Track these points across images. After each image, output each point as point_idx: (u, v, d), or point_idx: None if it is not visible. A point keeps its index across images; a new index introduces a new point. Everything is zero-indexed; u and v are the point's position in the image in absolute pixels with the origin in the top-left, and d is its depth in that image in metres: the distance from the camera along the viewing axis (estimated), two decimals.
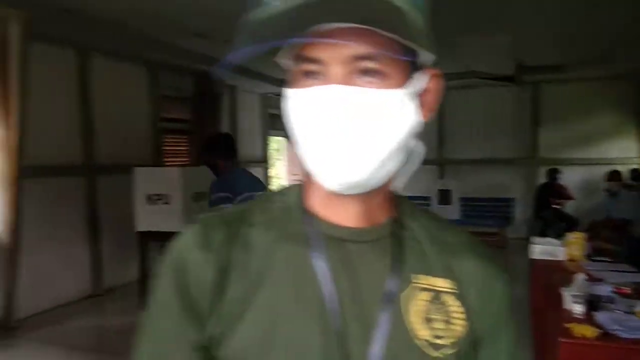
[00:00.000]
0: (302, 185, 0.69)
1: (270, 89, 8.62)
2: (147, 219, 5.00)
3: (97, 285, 5.54)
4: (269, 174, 9.94)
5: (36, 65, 4.39)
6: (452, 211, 8.10)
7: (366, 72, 0.56)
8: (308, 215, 0.65)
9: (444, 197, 8.26)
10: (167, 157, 6.82)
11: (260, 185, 3.31)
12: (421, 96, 0.63)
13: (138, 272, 5.24)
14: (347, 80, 0.56)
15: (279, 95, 9.70)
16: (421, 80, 0.62)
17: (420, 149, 0.65)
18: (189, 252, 0.63)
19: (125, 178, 5.03)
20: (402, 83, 0.58)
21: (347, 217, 0.64)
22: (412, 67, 0.60)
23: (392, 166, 0.61)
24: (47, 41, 4.76)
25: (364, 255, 0.63)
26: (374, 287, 0.62)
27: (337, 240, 0.63)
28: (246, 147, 8.68)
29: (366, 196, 0.63)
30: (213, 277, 0.61)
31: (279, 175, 11.65)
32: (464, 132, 8.71)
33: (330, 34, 0.55)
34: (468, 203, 8.50)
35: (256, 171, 9.25)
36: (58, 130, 5.10)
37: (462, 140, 8.75)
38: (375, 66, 0.56)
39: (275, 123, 10.07)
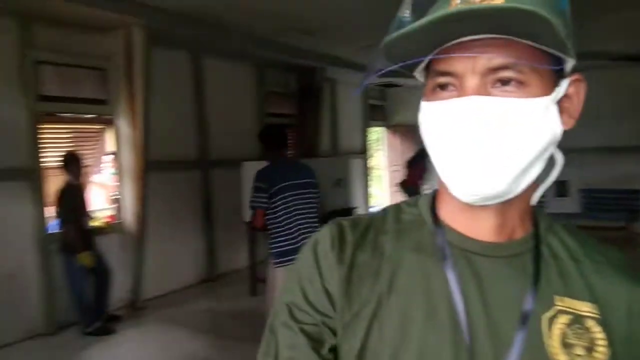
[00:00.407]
0: (434, 196, 0.68)
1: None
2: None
3: (210, 270, 5.95)
4: (368, 165, 9.92)
5: (156, 68, 4.79)
6: (570, 204, 7.46)
7: (504, 81, 0.55)
8: (440, 227, 0.64)
9: (561, 188, 7.64)
10: None
11: (303, 174, 3.28)
12: (561, 102, 0.59)
13: (247, 259, 5.52)
14: (483, 91, 0.55)
15: (379, 86, 9.62)
16: (562, 87, 0.59)
17: (560, 159, 0.62)
18: (325, 250, 0.65)
19: (236, 171, 5.30)
20: (542, 91, 0.56)
21: (481, 230, 0.62)
22: (553, 74, 0.57)
23: (530, 177, 0.59)
24: (165, 45, 5.15)
25: (499, 271, 0.61)
26: (508, 305, 0.59)
27: (470, 253, 0.61)
28: (346, 139, 8.74)
29: (502, 208, 0.61)
30: (343, 276, 0.62)
31: (379, 166, 11.57)
32: (585, 117, 7.88)
33: (465, 46, 0.54)
34: (589, 195, 7.77)
35: (356, 162, 9.33)
36: (176, 127, 5.52)
37: (582, 126, 7.92)
38: (514, 75, 0.54)
39: (375, 114, 10.02)
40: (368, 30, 4.94)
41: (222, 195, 5.94)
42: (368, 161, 9.93)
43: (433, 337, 0.58)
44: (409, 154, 8.60)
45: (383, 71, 0.57)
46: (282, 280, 2.44)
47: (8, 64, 4.08)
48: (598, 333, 0.58)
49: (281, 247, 3.13)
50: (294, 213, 3.14)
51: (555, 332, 0.58)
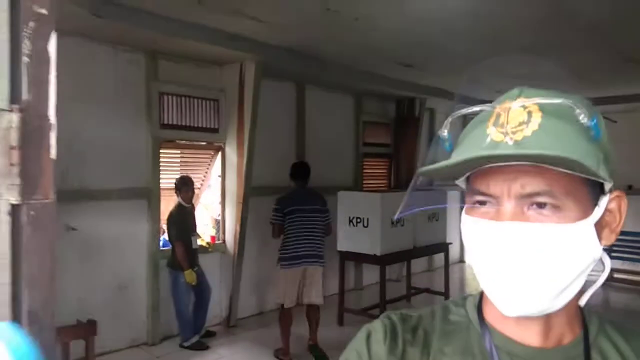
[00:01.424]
0: (480, 298, 0.69)
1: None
2: (347, 240, 5.30)
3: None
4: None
5: (263, 99, 5.06)
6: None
7: (540, 205, 0.56)
8: (487, 330, 0.65)
9: None
10: (367, 180, 7.12)
11: (312, 201, 4.35)
12: (603, 217, 0.60)
13: (337, 287, 5.57)
14: (519, 215, 0.57)
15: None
16: (602, 206, 0.60)
17: (608, 263, 0.63)
18: (378, 341, 0.67)
19: (332, 199, 5.40)
20: (579, 213, 0.57)
21: (527, 335, 0.63)
22: (592, 195, 0.59)
23: (571, 293, 0.60)
24: (272, 77, 5.43)
25: None
26: None
27: (517, 358, 0.62)
28: None
29: (547, 317, 0.62)
30: None
31: None
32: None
33: (502, 170, 0.57)
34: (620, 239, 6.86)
35: (453, 195, 9.02)
36: (278, 155, 5.76)
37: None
38: (549, 200, 0.56)
39: None
40: (465, 62, 4.85)
41: None
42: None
43: None
44: None
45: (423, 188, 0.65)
46: (284, 280, 4.19)
47: (138, 94, 4.55)
48: None
49: (287, 253, 4.28)
50: (300, 230, 4.25)
51: None
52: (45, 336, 0.59)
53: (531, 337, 0.62)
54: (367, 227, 5.19)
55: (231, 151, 5.22)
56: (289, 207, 4.27)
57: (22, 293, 0.56)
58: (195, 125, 4.98)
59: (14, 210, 0.57)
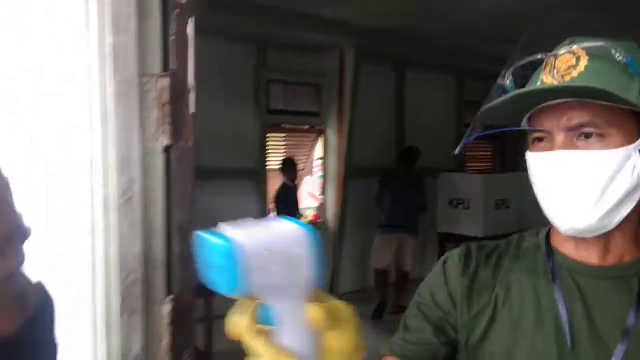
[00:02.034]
0: (550, 227, 0.77)
1: None
2: (447, 222, 5.28)
3: (400, 273, 6.14)
4: None
5: (362, 82, 5.19)
6: None
7: (587, 135, 0.65)
8: (552, 252, 0.74)
9: None
10: (470, 163, 6.96)
11: (410, 178, 5.03)
12: None
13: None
14: (569, 145, 0.65)
15: None
16: None
17: None
18: (453, 264, 0.79)
19: (432, 181, 5.40)
20: (624, 140, 0.64)
21: (587, 256, 0.71)
22: (635, 125, 0.66)
23: (623, 213, 0.66)
24: (372, 60, 5.52)
25: (604, 290, 0.70)
26: (611, 320, 0.68)
27: (577, 274, 0.71)
28: None
29: (604, 238, 0.69)
30: (465, 285, 0.77)
31: None
32: None
33: (553, 108, 0.66)
34: None
35: None
36: (377, 137, 5.86)
37: None
38: (593, 130, 0.64)
39: None
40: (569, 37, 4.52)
41: None
42: None
43: (541, 342, 0.69)
44: None
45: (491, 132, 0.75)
46: (379, 245, 5.18)
47: (247, 83, 4.92)
48: None
49: (383, 221, 4.96)
50: (396, 202, 4.85)
51: None
52: (188, 245, 0.80)
53: (590, 257, 0.71)
54: (468, 209, 5.12)
55: (332, 134, 5.43)
56: (389, 180, 4.93)
57: (174, 211, 0.77)
58: (299, 110, 5.27)
59: (167, 150, 0.77)
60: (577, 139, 0.65)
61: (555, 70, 0.66)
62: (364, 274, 5.87)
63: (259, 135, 5.01)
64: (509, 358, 0.71)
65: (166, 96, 0.74)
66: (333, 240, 5.50)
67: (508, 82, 0.72)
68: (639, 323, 0.66)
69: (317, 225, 5.56)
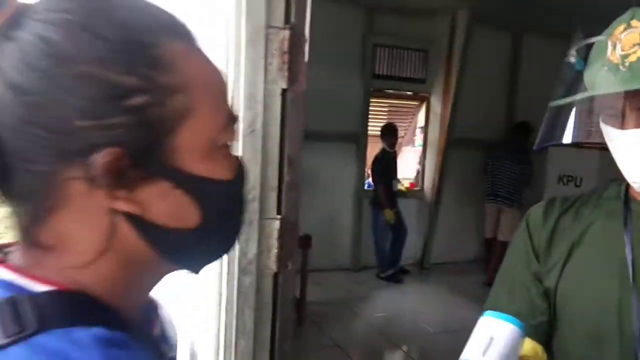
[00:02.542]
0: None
1: None
2: None
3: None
4: None
5: (475, 49, 5.02)
6: None
7: None
8: (630, 199, 0.81)
9: None
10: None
11: (516, 152, 4.98)
12: None
13: None
14: None
15: None
16: None
17: None
18: (536, 217, 0.88)
19: (543, 155, 5.13)
20: None
21: None
22: None
23: None
24: (487, 26, 5.28)
25: None
26: None
27: None
28: None
29: None
30: (545, 236, 0.86)
31: None
32: None
33: None
34: None
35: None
36: (484, 107, 5.65)
37: None
38: None
39: None
40: None
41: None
42: None
43: (606, 279, 0.77)
44: None
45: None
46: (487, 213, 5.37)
47: (354, 47, 5.00)
48: None
49: (487, 190, 5.18)
50: (499, 173, 5.06)
51: None
52: (295, 174, 0.95)
53: None
54: (579, 186, 4.82)
55: (436, 102, 5.36)
56: (495, 152, 5.11)
57: (286, 144, 0.92)
58: (404, 75, 5.25)
59: (283, 93, 0.92)
60: None
61: (619, 48, 0.68)
62: (459, 246, 5.80)
63: (362, 99, 5.10)
64: (577, 293, 0.79)
65: (286, 46, 0.88)
66: (429, 210, 5.52)
67: (573, 59, 0.78)
68: None
69: (413, 193, 5.59)
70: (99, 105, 0.37)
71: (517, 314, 0.77)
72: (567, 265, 0.81)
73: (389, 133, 4.92)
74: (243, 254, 0.92)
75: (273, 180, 0.92)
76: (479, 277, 5.32)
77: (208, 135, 0.42)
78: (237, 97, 0.86)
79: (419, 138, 5.75)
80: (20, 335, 0.35)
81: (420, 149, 5.70)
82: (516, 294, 0.85)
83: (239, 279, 0.94)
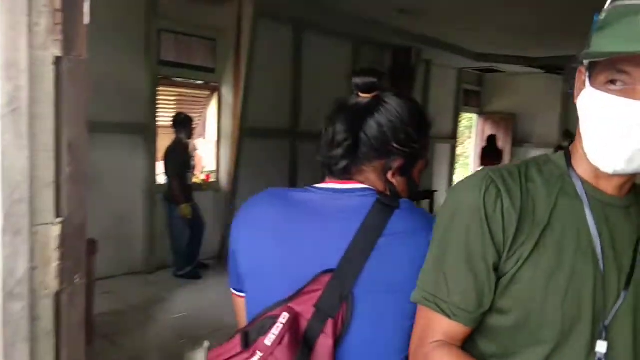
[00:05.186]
0: (567, 154, 0.83)
1: (467, 63, 8.37)
2: None
3: None
4: (456, 152, 9.76)
5: (260, 41, 5.10)
6: None
7: None
8: (579, 180, 0.80)
9: None
10: None
11: None
12: None
13: None
14: None
15: (476, 71, 9.36)
16: None
17: None
18: (490, 196, 0.77)
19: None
20: None
21: (609, 187, 0.79)
22: None
23: None
24: (270, 19, 5.43)
25: (619, 217, 0.80)
26: (626, 243, 0.78)
27: (602, 203, 0.79)
28: (435, 122, 8.66)
29: (629, 176, 0.78)
30: (510, 220, 0.77)
31: (467, 154, 11.32)
32: None
33: None
34: None
35: (443, 147, 9.21)
36: (273, 98, 5.84)
37: None
38: None
39: (469, 99, 9.76)
40: (465, 13, 4.88)
41: (309, 167, 6.23)
42: (456, 147, 9.78)
43: (580, 262, 0.76)
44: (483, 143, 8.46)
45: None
46: None
47: (137, 31, 4.57)
48: None
49: None
50: None
51: None
52: (80, 165, 0.75)
53: (610, 189, 0.80)
54: None
55: (227, 92, 5.30)
56: None
57: (63, 126, 0.71)
58: (193, 64, 5.04)
59: (57, 61, 0.71)
60: None
61: None
62: None
63: (149, 88, 4.72)
64: (551, 278, 0.75)
65: (58, 2, 0.68)
66: (226, 201, 5.46)
67: (603, 15, 0.73)
68: None
69: (209, 185, 5.46)
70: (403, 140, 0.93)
71: (458, 304, 0.76)
72: (536, 250, 0.75)
73: (182, 123, 4.67)
74: (9, 273, 0.68)
75: (47, 174, 0.70)
76: None
77: None
78: None
79: (211, 129, 5.61)
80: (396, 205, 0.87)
81: (213, 140, 5.58)
82: (461, 285, 0.76)
83: (4, 306, 0.70)
